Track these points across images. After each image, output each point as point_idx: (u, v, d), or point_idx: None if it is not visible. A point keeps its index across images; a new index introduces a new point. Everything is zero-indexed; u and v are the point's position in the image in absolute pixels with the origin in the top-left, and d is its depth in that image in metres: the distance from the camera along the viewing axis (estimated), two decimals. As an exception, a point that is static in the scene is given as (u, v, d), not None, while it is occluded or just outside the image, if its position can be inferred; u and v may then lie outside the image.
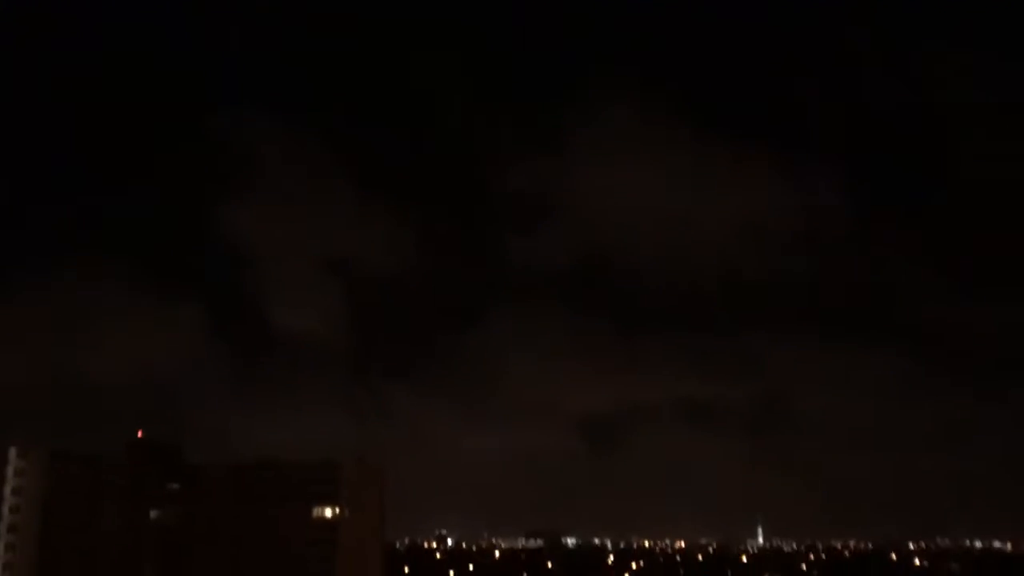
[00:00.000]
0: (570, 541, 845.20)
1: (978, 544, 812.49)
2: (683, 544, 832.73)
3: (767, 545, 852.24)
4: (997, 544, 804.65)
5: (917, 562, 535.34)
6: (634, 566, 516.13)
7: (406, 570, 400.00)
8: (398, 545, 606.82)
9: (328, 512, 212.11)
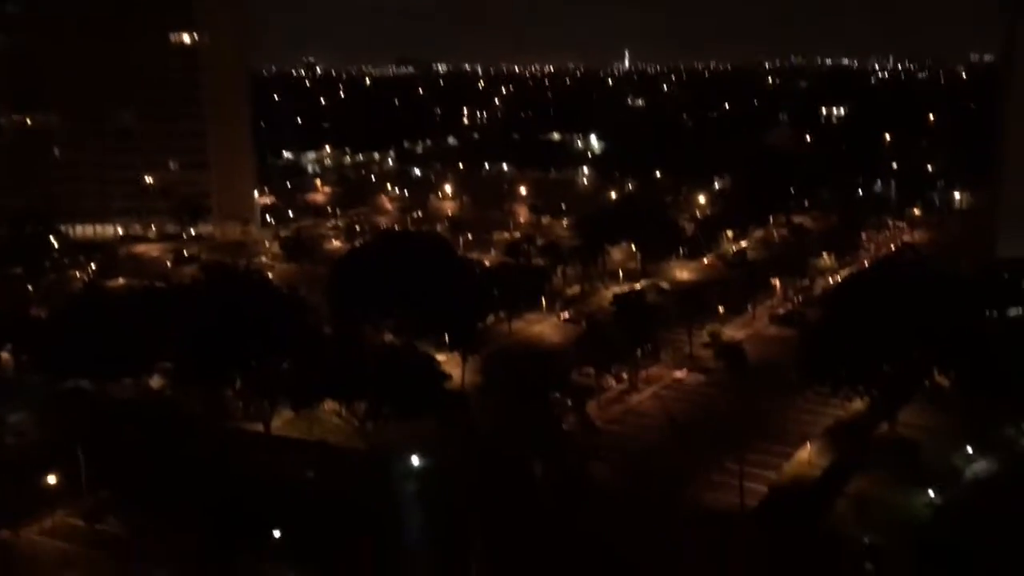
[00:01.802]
0: (442, 67, 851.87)
1: (828, 61, 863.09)
2: (551, 69, 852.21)
3: (632, 69, 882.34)
4: (845, 61, 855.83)
5: (770, 80, 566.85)
6: (504, 90, 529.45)
7: (275, 97, 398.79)
8: (265, 73, 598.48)
9: (187, 38, 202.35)
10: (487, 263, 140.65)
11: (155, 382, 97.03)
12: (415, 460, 78.30)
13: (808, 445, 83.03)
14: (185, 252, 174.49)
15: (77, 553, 67.09)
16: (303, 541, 65.31)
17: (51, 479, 71.89)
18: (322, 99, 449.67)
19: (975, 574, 57.26)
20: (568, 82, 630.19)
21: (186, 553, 65.41)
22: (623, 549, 64.89)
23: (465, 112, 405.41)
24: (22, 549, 68.33)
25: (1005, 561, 57.18)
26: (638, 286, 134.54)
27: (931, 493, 72.76)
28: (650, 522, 68.75)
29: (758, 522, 70.27)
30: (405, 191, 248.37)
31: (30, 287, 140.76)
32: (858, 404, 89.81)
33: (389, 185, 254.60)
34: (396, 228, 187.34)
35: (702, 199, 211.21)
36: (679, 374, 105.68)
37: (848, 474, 78.02)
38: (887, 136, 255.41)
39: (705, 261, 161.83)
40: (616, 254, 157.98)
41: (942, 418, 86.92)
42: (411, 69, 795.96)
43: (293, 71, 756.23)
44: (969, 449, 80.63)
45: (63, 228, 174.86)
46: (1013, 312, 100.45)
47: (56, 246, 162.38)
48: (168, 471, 78.87)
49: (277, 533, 64.26)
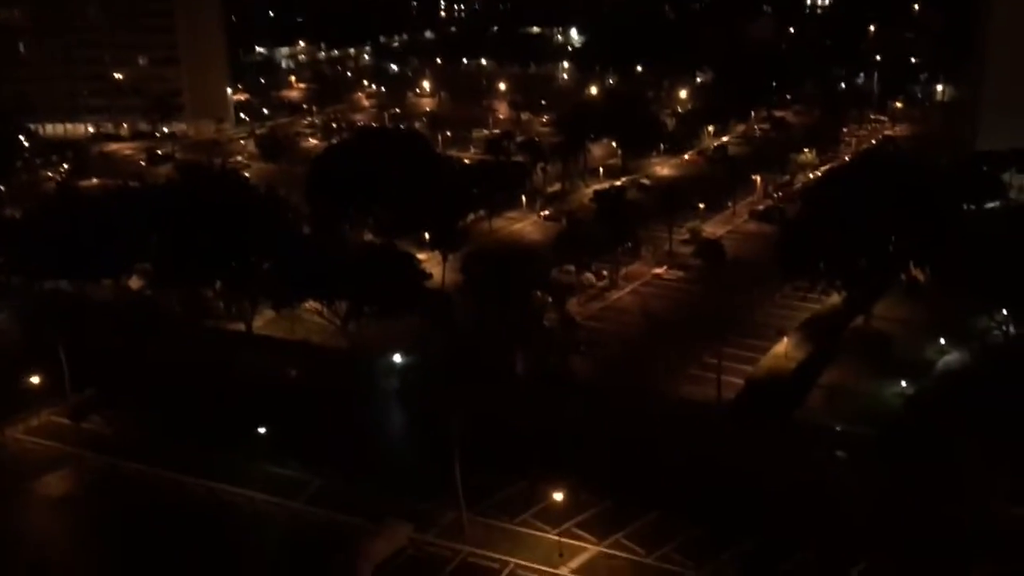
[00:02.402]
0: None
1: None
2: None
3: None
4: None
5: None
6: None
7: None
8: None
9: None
10: (466, 160, 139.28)
11: (134, 283, 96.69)
12: (397, 358, 79.00)
13: (785, 339, 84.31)
14: (159, 151, 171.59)
15: (64, 451, 67.92)
16: (287, 438, 66.35)
17: (34, 379, 72.16)
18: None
19: (942, 460, 59.12)
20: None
21: (170, 451, 66.42)
22: (602, 440, 66.36)
23: (442, 5, 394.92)
24: (9, 447, 69.07)
25: (971, 449, 58.97)
26: (619, 183, 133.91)
27: (903, 384, 74.46)
28: (629, 414, 70.13)
29: (734, 413, 71.87)
30: (382, 87, 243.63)
31: (1, 187, 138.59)
32: (835, 299, 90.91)
33: (365, 81, 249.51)
34: (373, 125, 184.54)
35: (684, 93, 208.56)
36: (659, 271, 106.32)
37: (823, 366, 79.57)
38: (871, 28, 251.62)
39: (686, 157, 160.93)
40: (597, 150, 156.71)
41: (917, 311, 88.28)
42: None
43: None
44: (942, 341, 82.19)
45: (33, 127, 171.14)
46: (991, 205, 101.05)
47: (27, 145, 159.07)
48: (150, 370, 79.46)
49: (262, 430, 65.18)
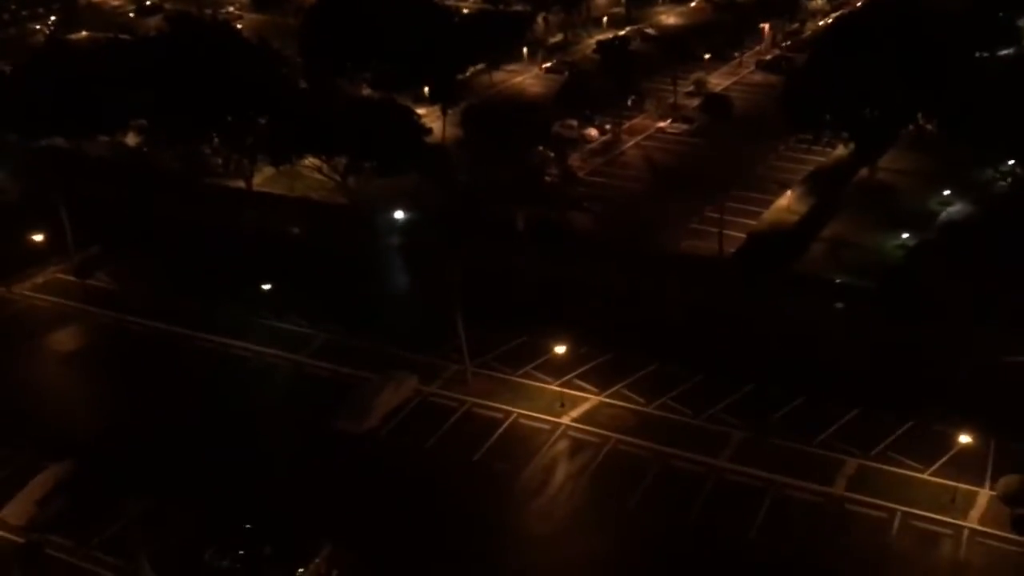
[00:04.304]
0: None
1: None
2: None
3: None
4: None
5: None
6: None
7: None
8: None
9: None
10: (465, 10, 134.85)
11: (131, 140, 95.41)
12: (398, 213, 78.76)
13: (788, 192, 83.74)
14: (147, 1, 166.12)
15: (71, 307, 68.72)
16: (291, 293, 66.95)
17: (38, 237, 72.25)
18: None
19: (938, 311, 59.73)
20: None
21: (176, 306, 67.20)
22: (603, 294, 66.95)
23: None
24: (17, 303, 69.87)
25: (970, 299, 59.45)
26: (623, 33, 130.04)
27: (905, 235, 74.42)
28: (629, 268, 70.48)
29: (735, 265, 72.18)
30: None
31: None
32: (841, 151, 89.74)
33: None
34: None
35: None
36: (663, 124, 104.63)
37: (825, 219, 79.37)
38: None
39: (692, 4, 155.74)
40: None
41: (924, 163, 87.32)
42: None
43: None
44: (947, 192, 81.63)
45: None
46: (1004, 52, 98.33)
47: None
48: (152, 227, 79.48)
49: (266, 286, 65.69)
